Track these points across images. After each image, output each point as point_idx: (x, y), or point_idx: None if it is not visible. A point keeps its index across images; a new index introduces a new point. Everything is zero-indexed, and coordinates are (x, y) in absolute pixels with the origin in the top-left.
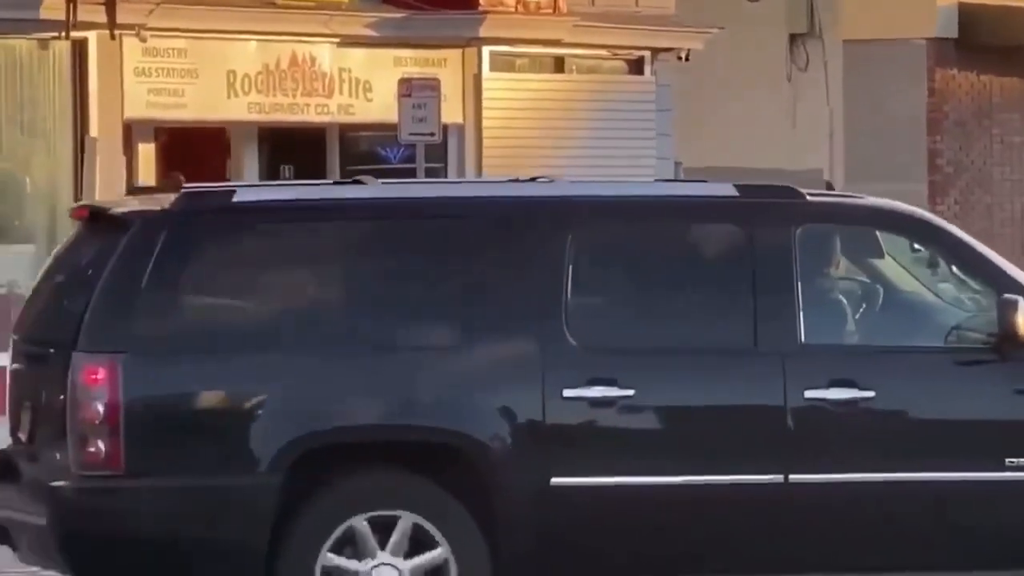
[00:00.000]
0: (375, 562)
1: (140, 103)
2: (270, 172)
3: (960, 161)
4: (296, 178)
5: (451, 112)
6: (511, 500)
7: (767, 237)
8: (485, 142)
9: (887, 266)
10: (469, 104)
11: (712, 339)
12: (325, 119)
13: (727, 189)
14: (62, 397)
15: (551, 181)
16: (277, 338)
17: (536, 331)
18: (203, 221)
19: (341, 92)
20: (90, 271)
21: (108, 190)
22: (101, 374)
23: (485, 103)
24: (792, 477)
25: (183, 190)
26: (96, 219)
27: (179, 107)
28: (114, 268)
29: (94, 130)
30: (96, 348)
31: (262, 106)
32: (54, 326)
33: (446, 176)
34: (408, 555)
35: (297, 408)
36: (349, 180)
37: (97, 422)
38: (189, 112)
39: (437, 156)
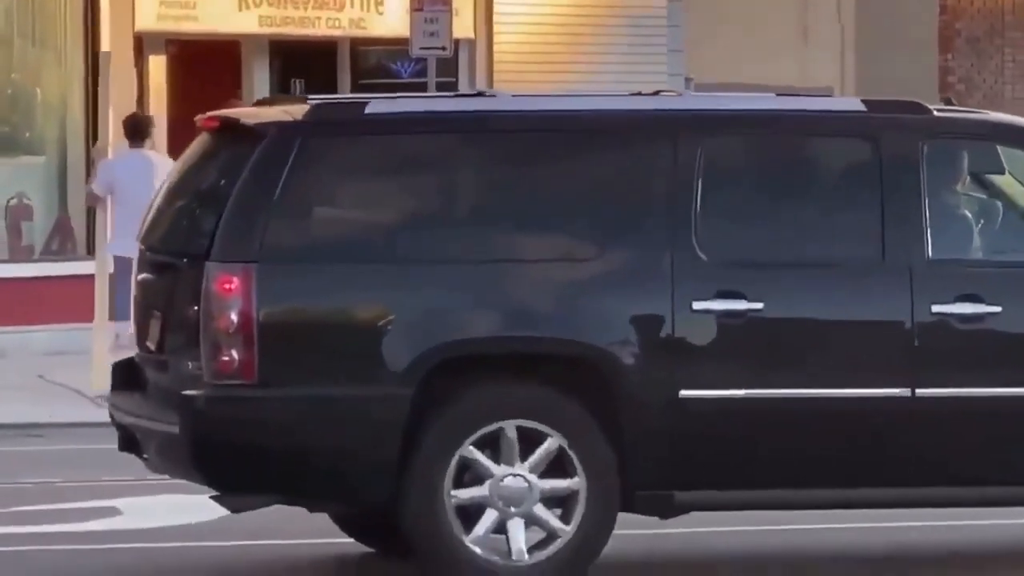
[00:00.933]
0: (511, 470)
1: (151, 15)
2: (281, 86)
3: (971, 79)
4: (308, 92)
5: (462, 27)
6: (640, 412)
7: (895, 152)
8: (496, 56)
9: (1007, 183)
10: (480, 19)
11: (840, 253)
12: (336, 32)
13: (854, 104)
14: (194, 307)
15: (678, 94)
16: (410, 249)
17: (666, 244)
18: (336, 132)
19: (352, 5)
20: (221, 181)
21: (120, 104)
22: (235, 283)
23: (496, 18)
24: (919, 391)
25: (313, 101)
26: (226, 129)
27: (190, 19)
28: (247, 178)
29: (105, 43)
30: (229, 258)
31: (273, 19)
32: (184, 236)
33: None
34: (543, 474)
35: (430, 319)
36: (474, 93)
37: (230, 331)
38: (200, 24)
39: (448, 71)
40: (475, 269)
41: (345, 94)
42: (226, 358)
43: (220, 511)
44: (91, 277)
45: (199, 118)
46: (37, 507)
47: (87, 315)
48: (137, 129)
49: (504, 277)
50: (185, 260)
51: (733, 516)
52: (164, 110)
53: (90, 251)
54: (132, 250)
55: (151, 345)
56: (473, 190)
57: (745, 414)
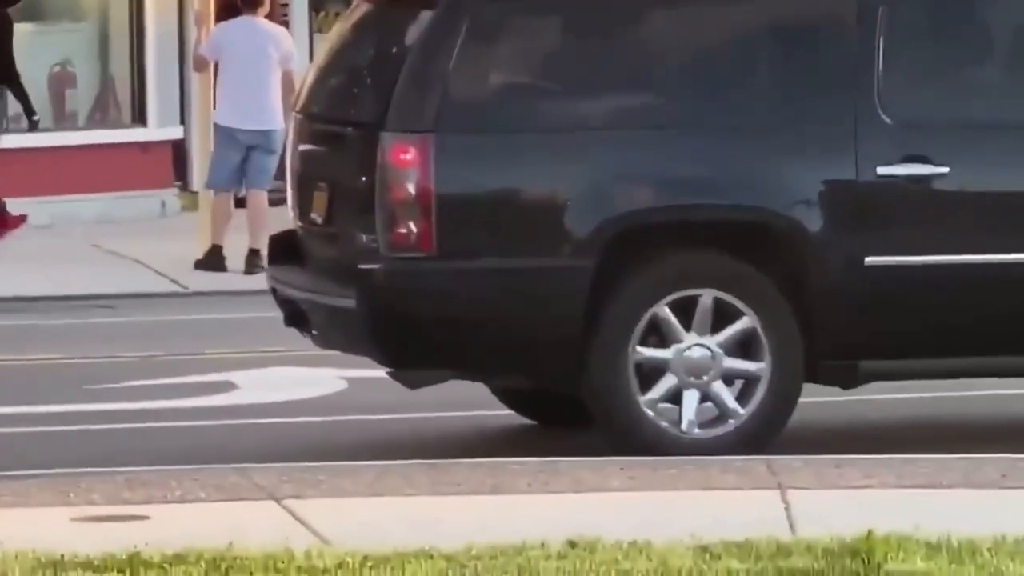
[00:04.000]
0: (683, 345)
1: None
2: None
3: None
4: None
5: None
6: (824, 280)
7: None
8: None
9: None
10: None
11: None
12: None
13: None
14: (367, 178)
15: None
16: (587, 119)
17: (849, 108)
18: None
19: None
20: (391, 50)
21: None
22: (411, 153)
23: None
24: None
25: None
26: None
27: None
28: (420, 46)
29: None
30: (406, 127)
31: None
32: (354, 105)
33: None
34: (714, 330)
35: (609, 189)
36: None
37: (408, 202)
38: None
39: None
40: (657, 137)
41: None
42: (403, 230)
43: (339, 384)
44: (137, 144)
45: None
46: (147, 382)
47: (135, 183)
48: None
49: (687, 145)
50: (355, 130)
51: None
52: None
53: (143, 119)
54: (236, 120)
55: (317, 217)
56: (652, 57)
57: (932, 281)
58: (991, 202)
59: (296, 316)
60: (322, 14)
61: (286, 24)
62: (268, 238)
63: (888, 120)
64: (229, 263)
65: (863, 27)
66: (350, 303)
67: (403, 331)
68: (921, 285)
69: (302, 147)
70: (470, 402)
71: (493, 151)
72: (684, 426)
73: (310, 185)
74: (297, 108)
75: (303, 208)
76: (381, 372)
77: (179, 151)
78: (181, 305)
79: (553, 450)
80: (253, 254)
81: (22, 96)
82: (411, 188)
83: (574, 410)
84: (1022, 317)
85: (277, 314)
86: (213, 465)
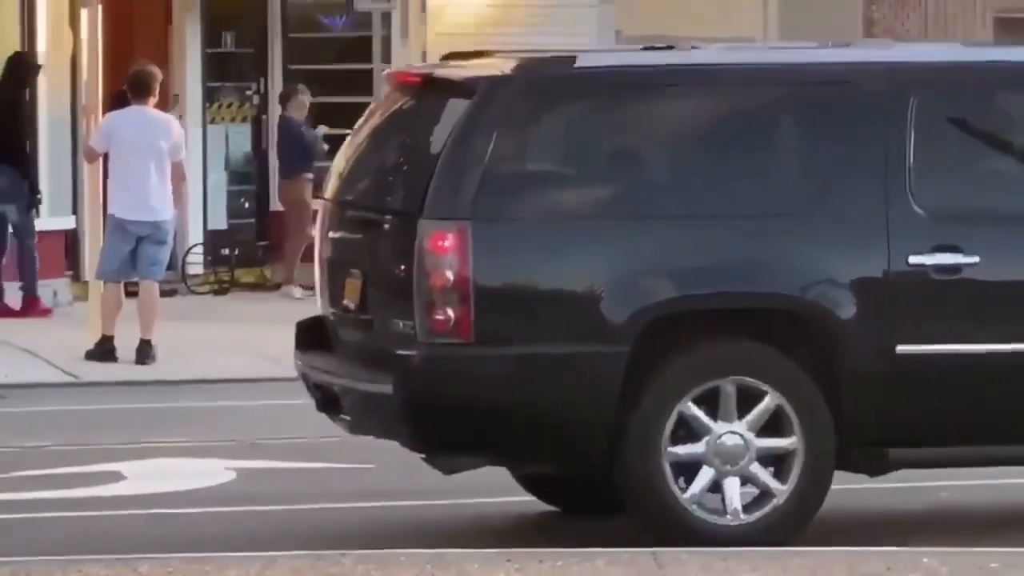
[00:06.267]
0: (729, 427)
1: None
2: (210, 39)
3: (895, 30)
4: (238, 45)
5: None
6: (856, 368)
7: None
8: (429, 11)
9: None
10: None
11: None
12: None
13: None
14: (404, 265)
15: (889, 46)
16: (623, 206)
17: (881, 197)
18: (548, 86)
19: None
20: (427, 138)
21: (57, 56)
22: (450, 240)
23: None
24: None
25: (523, 55)
26: (428, 85)
27: None
28: (458, 134)
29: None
30: (443, 215)
31: None
32: (389, 193)
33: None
34: (761, 432)
35: (644, 277)
36: (664, 46)
37: (446, 289)
38: None
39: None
40: (690, 224)
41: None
42: (441, 316)
43: (227, 475)
44: (51, 233)
45: (390, 72)
46: (34, 472)
47: (47, 271)
48: (142, 85)
49: (720, 232)
50: (392, 217)
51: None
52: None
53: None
54: (127, 211)
55: (349, 304)
56: (687, 145)
57: (964, 370)
58: (1020, 291)
59: (328, 401)
60: (215, 104)
61: (180, 116)
62: (295, 324)
63: (919, 210)
64: (120, 353)
65: (895, 119)
66: (386, 388)
67: (439, 417)
68: (953, 374)
69: (333, 234)
70: (360, 493)
71: (530, 238)
72: (730, 514)
73: (342, 272)
74: (328, 195)
75: (334, 295)
76: (269, 463)
77: (71, 241)
78: (72, 395)
79: (437, 542)
80: (144, 344)
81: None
82: (449, 275)
83: (597, 497)
84: None
85: (166, 405)
86: (98, 556)
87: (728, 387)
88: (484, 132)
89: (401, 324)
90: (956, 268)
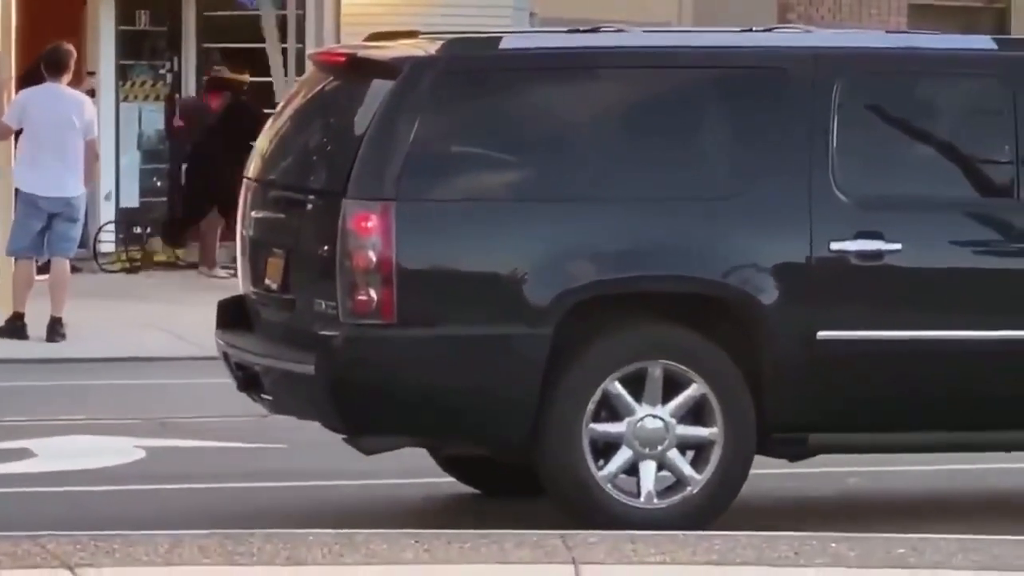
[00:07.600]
0: (635, 417)
1: None
2: (125, 18)
3: (811, 16)
4: (152, 23)
5: None
6: (777, 353)
7: None
8: None
9: None
10: None
11: (975, 192)
12: None
13: (986, 42)
14: (327, 245)
15: (809, 31)
16: (547, 189)
17: (804, 183)
18: (471, 67)
19: None
20: (351, 117)
21: None
22: (373, 221)
23: None
24: None
25: (448, 37)
26: (352, 65)
27: None
28: (382, 114)
29: None
30: (367, 195)
31: None
32: (312, 172)
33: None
34: (683, 420)
35: (568, 259)
36: (589, 29)
37: (368, 270)
38: None
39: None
40: (614, 208)
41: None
42: (363, 297)
43: (137, 453)
44: None
45: (314, 53)
46: None
47: None
48: (57, 62)
49: (644, 216)
50: (314, 196)
51: (857, 457)
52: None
53: None
54: (38, 187)
55: (271, 284)
56: (612, 128)
57: (884, 356)
58: (942, 279)
59: (249, 381)
60: (128, 82)
61: (92, 93)
62: (216, 304)
63: (842, 196)
64: (31, 330)
65: (819, 102)
66: (308, 369)
67: (361, 397)
68: (873, 360)
69: (256, 214)
70: (272, 473)
71: (453, 220)
72: (643, 498)
73: (264, 251)
74: (251, 174)
75: (256, 274)
76: (179, 441)
77: None
78: None
79: (348, 522)
80: (55, 322)
81: None
82: (372, 256)
83: (519, 479)
84: (970, 393)
85: (77, 382)
86: (6, 532)
87: (656, 370)
88: (408, 113)
89: (323, 304)
90: (878, 254)
